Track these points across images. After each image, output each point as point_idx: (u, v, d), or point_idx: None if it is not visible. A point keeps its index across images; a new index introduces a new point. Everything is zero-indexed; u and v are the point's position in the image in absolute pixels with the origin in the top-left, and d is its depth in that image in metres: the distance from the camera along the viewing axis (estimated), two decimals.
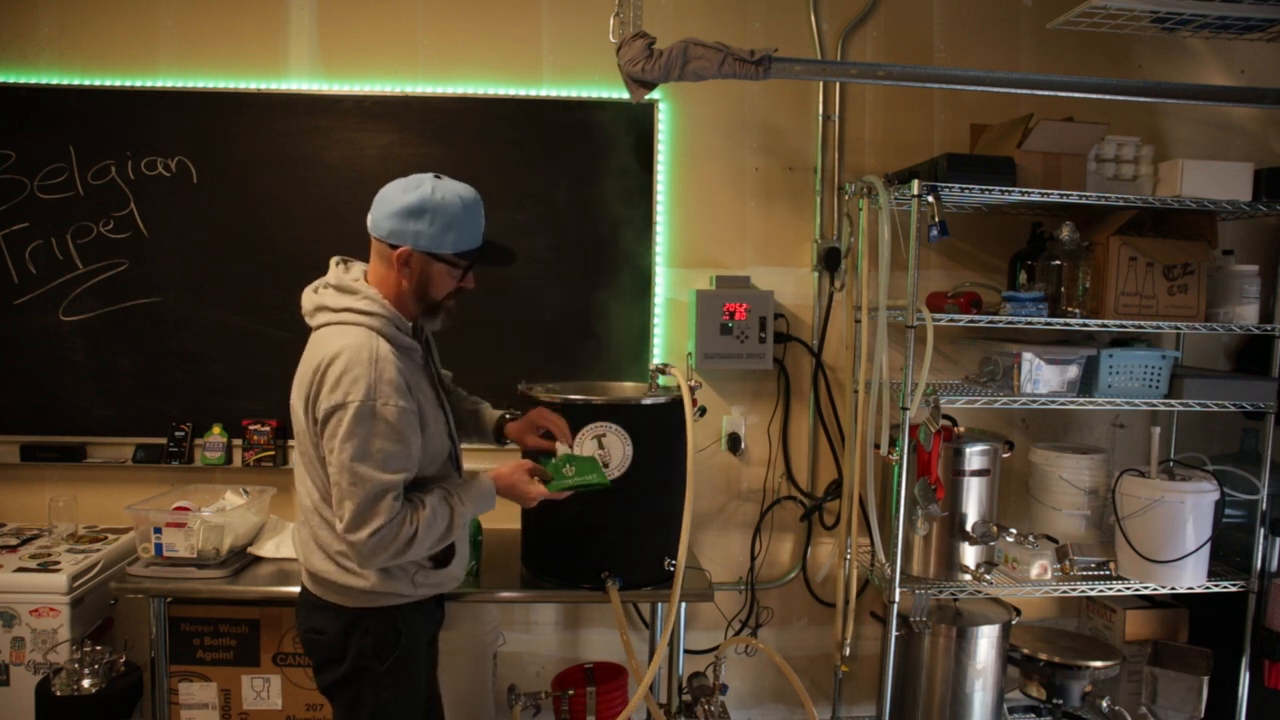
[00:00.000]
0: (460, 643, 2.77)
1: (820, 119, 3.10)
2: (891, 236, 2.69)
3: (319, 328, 1.91)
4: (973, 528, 2.75)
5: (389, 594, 1.93)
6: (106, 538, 2.85)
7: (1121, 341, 2.92)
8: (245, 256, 2.94)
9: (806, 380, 3.16)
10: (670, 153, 3.07)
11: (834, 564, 3.22)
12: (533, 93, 2.99)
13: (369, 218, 1.90)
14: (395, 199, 1.85)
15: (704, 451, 3.13)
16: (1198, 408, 2.78)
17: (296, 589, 2.38)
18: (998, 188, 2.62)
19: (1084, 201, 2.67)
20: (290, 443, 2.96)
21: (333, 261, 2.00)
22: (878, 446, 2.73)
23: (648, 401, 2.39)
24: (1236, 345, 3.25)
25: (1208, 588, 2.77)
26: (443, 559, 2.00)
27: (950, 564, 2.79)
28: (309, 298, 1.96)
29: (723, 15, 3.05)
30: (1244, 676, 2.83)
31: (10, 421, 2.94)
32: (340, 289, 1.90)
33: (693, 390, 2.32)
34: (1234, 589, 2.80)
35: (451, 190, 1.86)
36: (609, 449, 2.32)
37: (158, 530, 2.44)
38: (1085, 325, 2.73)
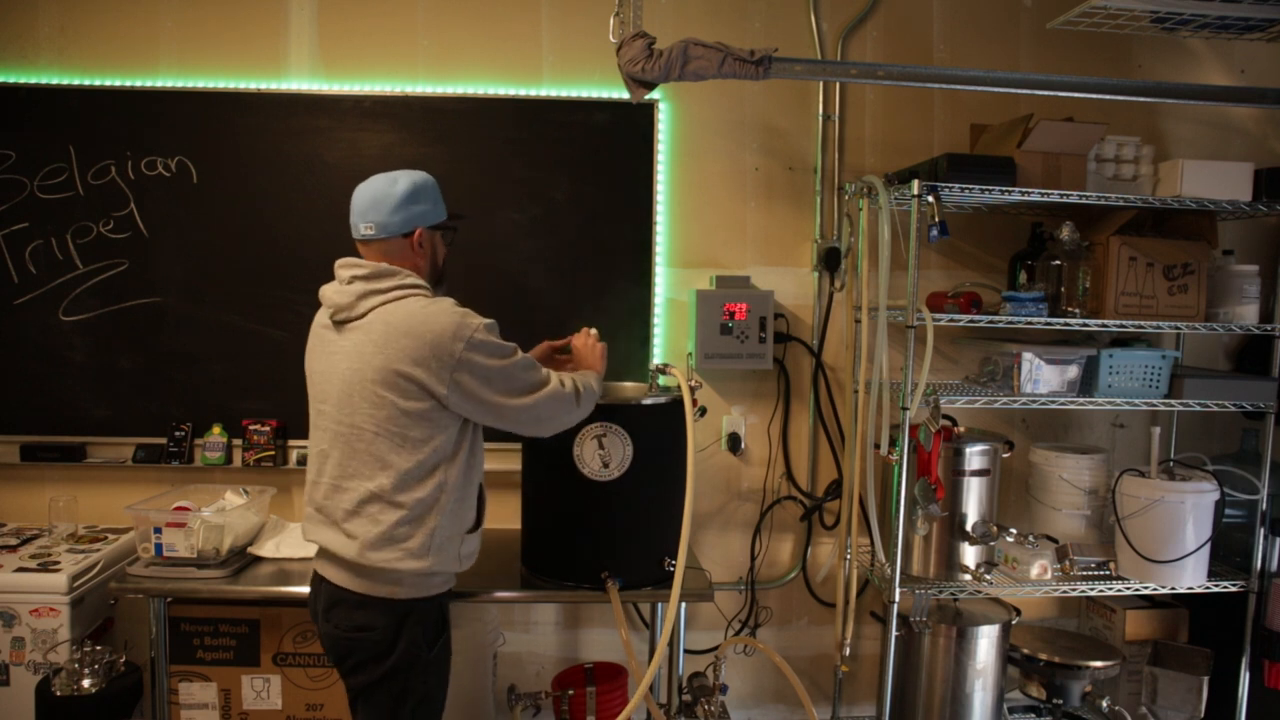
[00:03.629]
0: (460, 643, 2.74)
1: (820, 119, 3.10)
2: (891, 236, 2.69)
3: (371, 310, 1.94)
4: (973, 528, 2.75)
5: (441, 574, 2.02)
6: (106, 538, 2.85)
7: (1121, 341, 2.92)
8: (245, 256, 2.94)
9: (806, 380, 3.16)
10: (670, 153, 3.07)
11: (834, 564, 3.21)
12: (533, 93, 2.99)
13: (367, 225, 1.99)
14: (388, 195, 1.98)
15: (704, 451, 3.13)
16: (1198, 408, 2.78)
17: (297, 589, 2.41)
18: (998, 188, 2.62)
19: (1084, 201, 2.67)
20: (292, 442, 2.97)
21: (343, 261, 2.03)
22: (878, 446, 2.73)
23: (648, 401, 2.39)
24: (1236, 345, 3.25)
25: (1208, 588, 2.77)
26: (475, 525, 2.10)
27: (950, 564, 2.79)
28: (342, 291, 1.98)
29: (723, 15, 3.05)
30: (1244, 676, 2.83)
31: (10, 421, 2.94)
32: (378, 275, 1.96)
33: (693, 390, 2.32)
34: (1234, 589, 2.80)
35: (418, 172, 2.05)
36: (609, 449, 2.32)
37: (158, 530, 2.44)
38: (1085, 325, 2.73)
